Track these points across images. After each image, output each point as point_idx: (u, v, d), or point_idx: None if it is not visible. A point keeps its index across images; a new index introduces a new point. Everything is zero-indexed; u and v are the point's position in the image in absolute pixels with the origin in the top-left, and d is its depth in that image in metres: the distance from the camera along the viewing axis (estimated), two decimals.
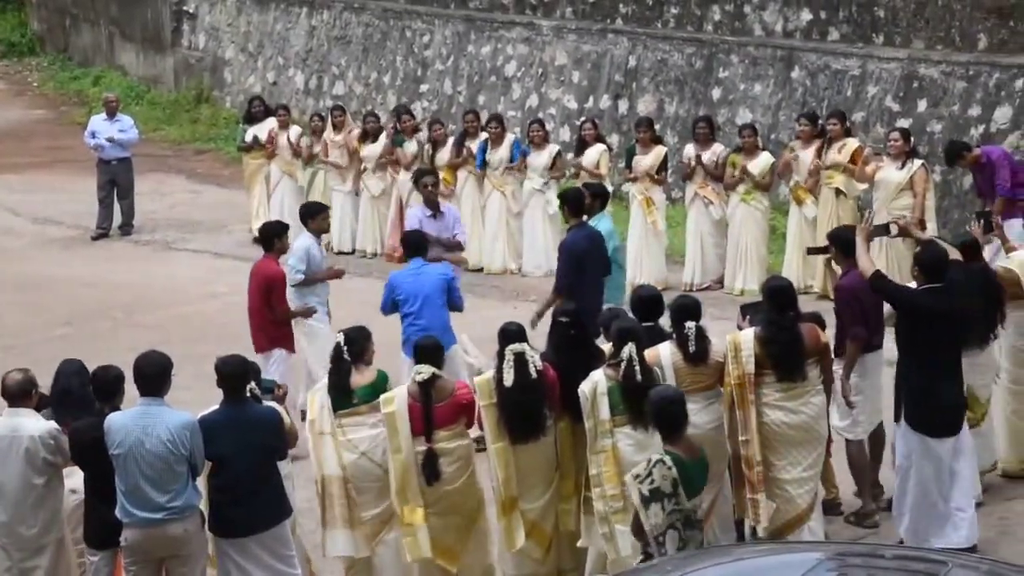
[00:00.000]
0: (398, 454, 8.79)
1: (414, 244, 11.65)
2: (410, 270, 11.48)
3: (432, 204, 12.75)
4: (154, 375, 8.32)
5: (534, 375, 8.73)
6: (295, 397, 11.00)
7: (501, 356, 8.80)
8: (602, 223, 12.11)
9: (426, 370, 8.83)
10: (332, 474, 9.02)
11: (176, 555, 8.32)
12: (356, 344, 9.14)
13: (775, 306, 9.01)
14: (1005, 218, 12.46)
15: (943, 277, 9.11)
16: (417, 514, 8.72)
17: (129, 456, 8.15)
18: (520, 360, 8.71)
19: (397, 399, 8.84)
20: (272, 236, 11.73)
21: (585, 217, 11.91)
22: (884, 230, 9.94)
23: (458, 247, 12.97)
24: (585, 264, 11.56)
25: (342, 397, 9.04)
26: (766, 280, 9.64)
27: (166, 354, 8.46)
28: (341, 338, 9.16)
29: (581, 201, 11.96)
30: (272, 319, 11.58)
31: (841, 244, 9.83)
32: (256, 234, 17.89)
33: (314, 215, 12.19)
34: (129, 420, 8.24)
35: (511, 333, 8.85)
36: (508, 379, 8.69)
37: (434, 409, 8.77)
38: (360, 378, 9.07)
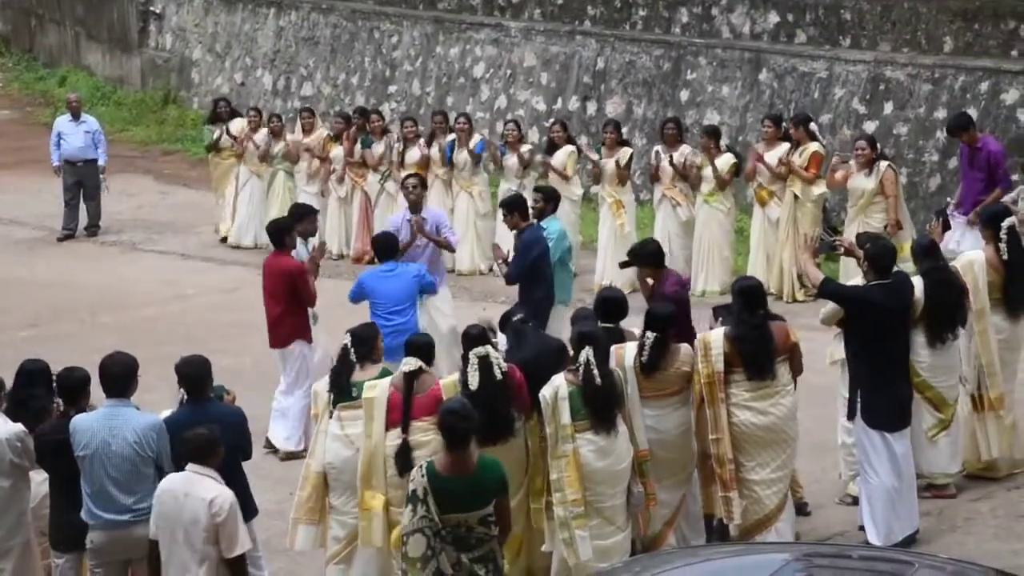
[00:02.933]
0: (369, 439, 8.79)
1: (385, 247, 11.65)
2: (382, 271, 11.51)
3: (415, 207, 12.69)
4: (120, 376, 8.28)
5: (499, 376, 8.74)
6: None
7: (465, 360, 8.81)
8: (552, 225, 12.28)
9: (413, 363, 8.84)
10: (319, 470, 9.02)
11: (142, 557, 8.23)
12: (364, 344, 9.17)
13: (745, 305, 9.07)
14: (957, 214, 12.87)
15: (891, 273, 9.28)
16: (377, 500, 8.71)
17: (95, 457, 8.11)
18: (484, 363, 8.72)
19: (380, 387, 8.86)
20: (282, 233, 11.68)
21: (536, 220, 12.12)
22: (830, 247, 10.13)
23: (449, 249, 12.89)
24: (539, 262, 11.76)
25: (342, 393, 9.06)
26: (736, 280, 9.72)
27: (132, 355, 8.42)
28: (348, 339, 9.17)
29: (524, 205, 12.18)
30: (293, 311, 11.48)
31: (646, 258, 10.44)
32: (222, 235, 17.98)
33: (302, 218, 12.17)
34: (95, 421, 8.19)
35: (474, 337, 8.86)
36: (473, 382, 8.69)
37: (414, 400, 8.77)
38: (363, 374, 9.08)
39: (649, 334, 8.93)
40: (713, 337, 9.01)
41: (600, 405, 8.59)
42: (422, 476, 7.69)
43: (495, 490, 7.73)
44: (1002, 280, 10.20)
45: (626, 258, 11.05)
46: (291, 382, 11.58)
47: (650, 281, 10.43)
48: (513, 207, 12.13)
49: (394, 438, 8.72)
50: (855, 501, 9.80)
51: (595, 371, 8.57)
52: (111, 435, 8.11)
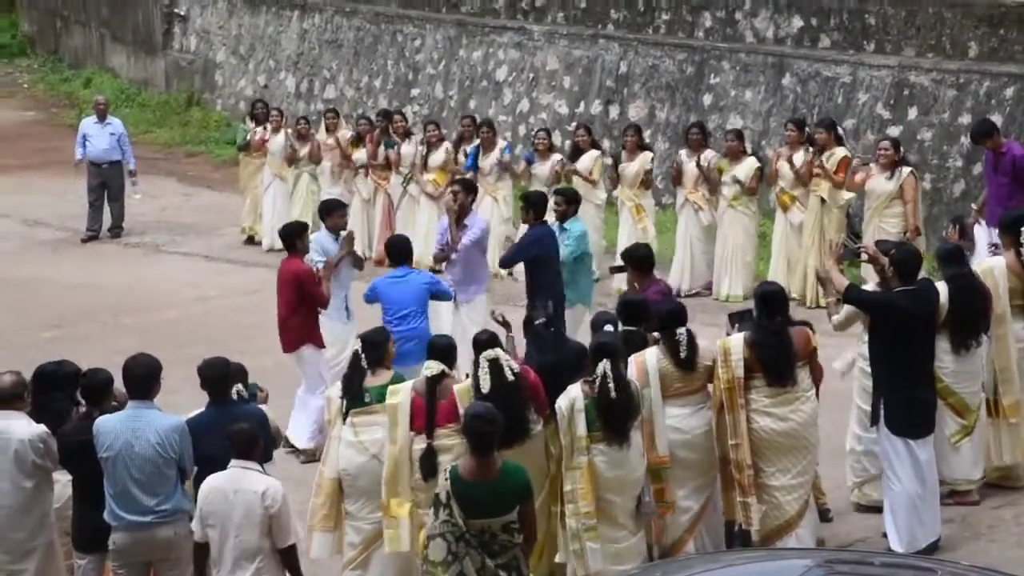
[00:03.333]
0: (393, 446, 8.79)
1: (399, 251, 11.64)
2: (393, 277, 11.46)
3: (460, 214, 12.51)
4: (143, 378, 8.32)
5: (511, 378, 8.73)
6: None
7: (476, 364, 8.81)
8: (574, 226, 12.32)
9: (435, 367, 8.84)
10: (332, 477, 9.02)
11: (164, 559, 8.31)
12: (375, 349, 9.13)
13: (766, 311, 9.05)
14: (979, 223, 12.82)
15: (916, 279, 9.24)
16: (404, 508, 8.72)
17: (118, 459, 8.14)
18: (495, 366, 8.71)
19: (402, 392, 8.86)
20: (293, 236, 11.71)
21: (558, 222, 12.16)
22: (854, 255, 10.10)
23: (452, 245, 12.66)
24: (540, 261, 11.79)
25: (355, 399, 9.04)
26: (758, 285, 9.71)
27: (155, 357, 8.45)
28: (359, 344, 9.13)
29: (543, 205, 12.18)
30: (302, 314, 11.51)
31: (635, 261, 10.54)
32: (247, 235, 18.04)
33: (331, 212, 12.22)
34: (118, 423, 8.23)
35: (483, 341, 8.87)
36: (485, 386, 8.69)
37: (437, 406, 8.77)
38: (375, 379, 9.06)
39: (680, 331, 8.92)
40: (733, 343, 9.01)
41: (614, 418, 8.58)
42: (446, 480, 7.70)
43: (519, 496, 7.70)
44: (1023, 286, 10.16)
45: (619, 263, 11.13)
46: (310, 384, 11.61)
47: (636, 286, 10.52)
48: (531, 204, 12.11)
49: (419, 443, 8.73)
50: (858, 508, 9.87)
51: (611, 384, 8.55)
52: (134, 436, 8.15)
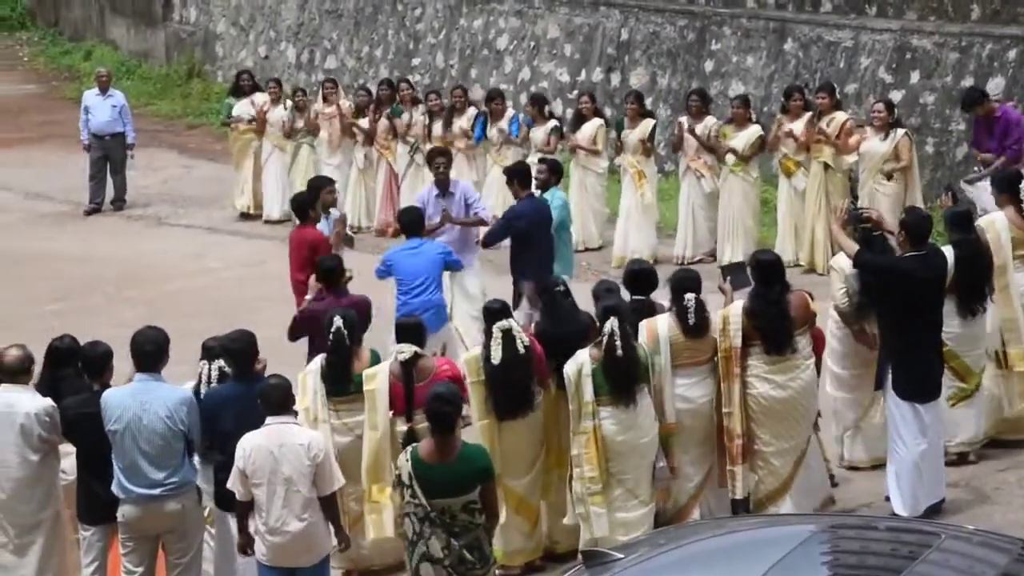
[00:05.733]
0: (374, 431, 8.80)
1: (412, 222, 11.61)
2: (407, 248, 11.43)
3: (443, 184, 12.62)
4: (152, 352, 8.34)
5: (522, 351, 8.73)
6: None
7: (488, 333, 8.79)
8: (555, 195, 12.26)
9: (407, 349, 8.81)
10: None
11: (172, 530, 8.34)
12: (357, 327, 9.09)
13: (762, 280, 9.05)
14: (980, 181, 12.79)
15: (926, 243, 9.24)
16: (385, 493, 8.72)
17: (127, 432, 8.16)
18: (508, 336, 8.72)
19: (379, 376, 8.83)
20: (305, 206, 11.76)
21: (539, 191, 12.06)
22: (858, 219, 10.10)
23: (481, 224, 12.61)
24: (531, 235, 11.71)
25: (341, 384, 9.00)
26: (753, 254, 9.69)
27: (163, 330, 8.46)
28: (340, 322, 9.01)
29: (528, 175, 12.11)
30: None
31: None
32: (241, 210, 18.02)
33: (319, 190, 12.20)
34: (127, 396, 8.25)
35: (495, 311, 8.85)
36: (496, 356, 8.69)
37: (415, 389, 8.75)
38: (359, 363, 9.02)
39: (688, 296, 8.89)
40: (732, 312, 9.01)
41: (620, 376, 8.57)
42: (406, 461, 7.69)
43: (478, 478, 7.68)
44: None
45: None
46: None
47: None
48: (514, 176, 12.08)
49: (399, 425, 8.73)
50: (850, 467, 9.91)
51: (618, 342, 8.55)
52: (143, 410, 8.17)
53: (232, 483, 8.01)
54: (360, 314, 9.49)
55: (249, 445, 7.95)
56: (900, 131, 13.79)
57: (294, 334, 10.60)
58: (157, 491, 8.20)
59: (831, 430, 10.04)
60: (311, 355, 10.08)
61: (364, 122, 16.79)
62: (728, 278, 9.46)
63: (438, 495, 7.61)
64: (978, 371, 9.91)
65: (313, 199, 11.87)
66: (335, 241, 11.64)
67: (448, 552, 7.62)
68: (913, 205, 11.84)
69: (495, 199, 15.90)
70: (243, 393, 8.37)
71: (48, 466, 8.60)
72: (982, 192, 12.47)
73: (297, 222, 12.06)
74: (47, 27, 29.14)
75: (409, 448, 7.83)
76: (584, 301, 9.49)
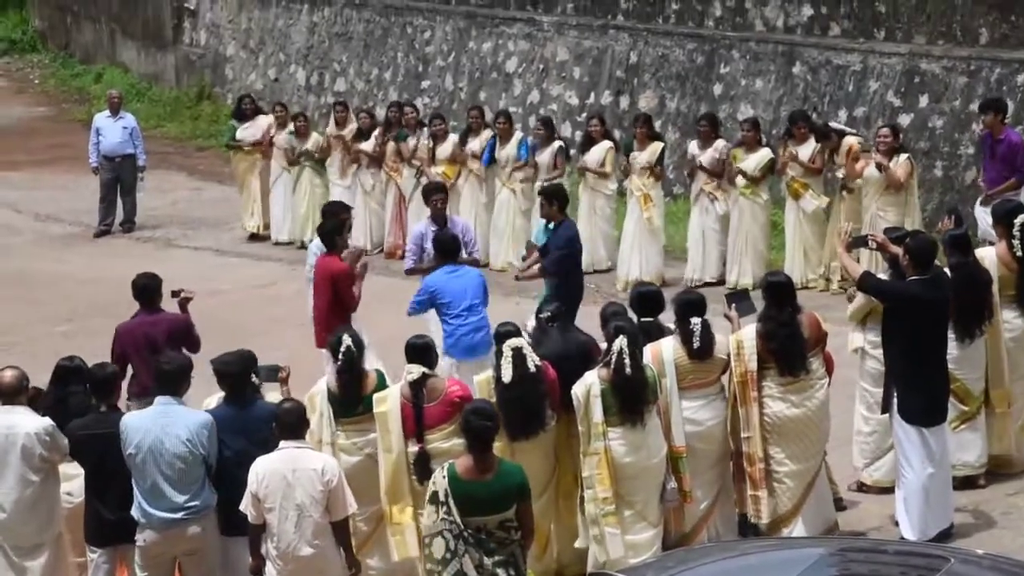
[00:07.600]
0: (389, 453, 8.78)
1: (448, 249, 11.46)
2: (447, 272, 11.28)
3: (439, 219, 12.61)
4: (175, 375, 8.37)
5: (533, 369, 8.72)
6: None
7: (499, 353, 8.79)
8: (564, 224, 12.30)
9: (416, 370, 8.79)
10: None
11: (193, 553, 8.34)
12: (363, 348, 9.05)
13: (774, 301, 9.06)
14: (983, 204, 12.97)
15: (931, 268, 9.24)
16: (406, 514, 8.71)
17: (148, 456, 8.16)
18: (518, 355, 8.71)
19: (390, 399, 8.82)
20: (331, 234, 11.65)
21: (545, 221, 12.12)
22: (862, 242, 10.11)
23: (476, 265, 12.41)
24: (576, 256, 11.88)
25: (350, 405, 8.97)
26: (764, 275, 9.70)
27: (188, 356, 8.49)
28: (349, 341, 8.94)
29: (565, 196, 12.20)
30: (335, 314, 11.48)
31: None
32: (251, 231, 18.06)
33: (335, 215, 12.16)
34: (148, 420, 8.26)
35: (506, 332, 8.86)
36: (507, 375, 8.67)
37: (425, 410, 8.73)
38: (367, 384, 8.99)
39: (695, 320, 8.91)
40: (745, 336, 9.02)
41: (629, 396, 8.57)
42: (443, 478, 7.65)
43: (515, 495, 7.66)
44: (1015, 277, 10.15)
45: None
46: None
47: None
48: (554, 197, 12.02)
49: (410, 446, 8.71)
50: (860, 488, 9.96)
51: (627, 360, 8.55)
52: (164, 433, 8.18)
53: (244, 506, 7.99)
54: (183, 333, 9.89)
55: (263, 469, 7.94)
56: (903, 156, 13.79)
57: (112, 354, 10.12)
58: (179, 515, 8.21)
59: (852, 453, 10.03)
60: (122, 372, 9.69)
61: (366, 144, 16.82)
62: (733, 305, 9.46)
63: (475, 512, 7.57)
64: (978, 394, 9.92)
65: (340, 226, 11.80)
66: (360, 274, 11.59)
67: (481, 571, 7.60)
68: (918, 229, 11.83)
69: (504, 222, 15.96)
70: (232, 416, 8.36)
71: (48, 487, 8.60)
72: (989, 216, 12.50)
73: (319, 251, 11.86)
74: (58, 50, 29.24)
75: (446, 464, 7.77)
76: (592, 324, 9.49)
